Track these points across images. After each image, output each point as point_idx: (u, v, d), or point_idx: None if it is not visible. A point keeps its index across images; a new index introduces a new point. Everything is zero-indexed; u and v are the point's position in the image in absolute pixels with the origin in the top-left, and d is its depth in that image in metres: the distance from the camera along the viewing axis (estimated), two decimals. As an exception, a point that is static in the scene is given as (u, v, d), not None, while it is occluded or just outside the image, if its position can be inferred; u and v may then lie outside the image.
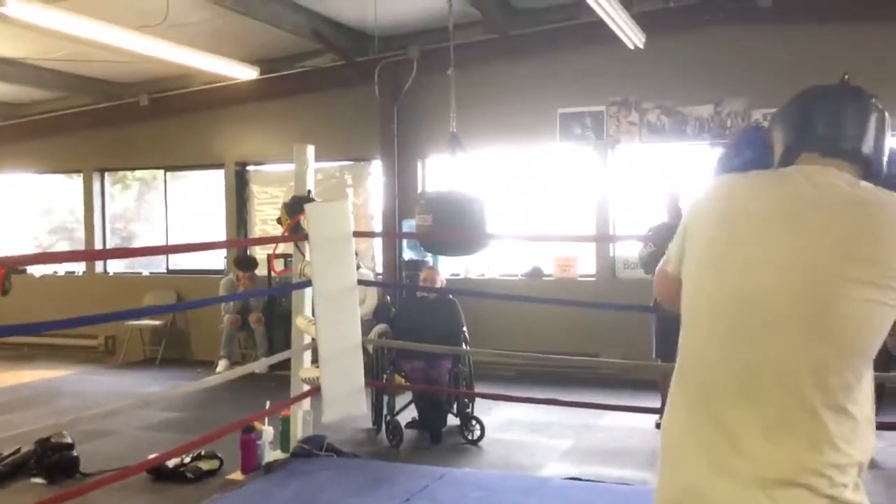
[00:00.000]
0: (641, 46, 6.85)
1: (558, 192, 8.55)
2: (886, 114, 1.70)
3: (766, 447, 1.46)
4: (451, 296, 6.59)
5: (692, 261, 1.68)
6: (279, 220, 5.53)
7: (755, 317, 1.52)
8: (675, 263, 1.76)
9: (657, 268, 1.87)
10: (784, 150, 1.71)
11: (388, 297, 8.17)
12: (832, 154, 1.64)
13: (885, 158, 1.69)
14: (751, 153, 1.85)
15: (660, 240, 5.99)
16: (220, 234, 9.80)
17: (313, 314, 5.15)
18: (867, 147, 1.65)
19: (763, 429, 1.47)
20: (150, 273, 10.34)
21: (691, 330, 1.64)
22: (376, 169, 9.09)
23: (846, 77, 1.76)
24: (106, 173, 10.66)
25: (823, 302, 1.47)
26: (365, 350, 5.48)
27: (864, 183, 1.58)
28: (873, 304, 1.46)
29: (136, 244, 10.82)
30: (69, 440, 5.15)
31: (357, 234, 5.84)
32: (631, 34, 6.54)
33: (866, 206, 1.53)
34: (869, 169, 1.65)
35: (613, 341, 7.57)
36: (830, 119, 1.66)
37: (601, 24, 6.26)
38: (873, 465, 2.19)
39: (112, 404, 5.54)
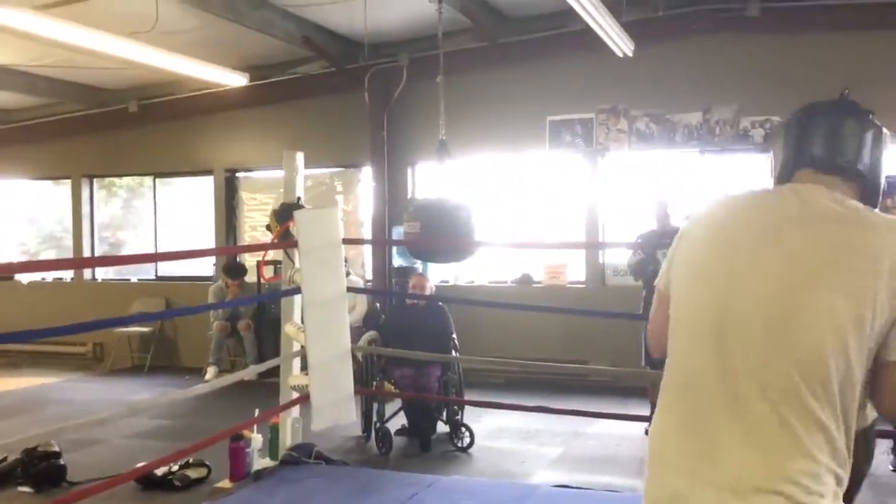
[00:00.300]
0: (630, 54, 6.88)
1: (548, 200, 8.57)
2: (885, 130, 1.71)
3: (743, 455, 1.48)
4: (440, 303, 6.60)
5: (680, 274, 1.71)
6: (268, 227, 5.52)
7: (735, 329, 1.54)
8: (665, 280, 1.78)
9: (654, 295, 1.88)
10: (781, 167, 1.73)
11: (378, 305, 8.16)
12: (827, 171, 1.66)
13: (883, 175, 1.70)
14: None
15: (648, 247, 6.02)
16: (209, 241, 9.76)
17: (302, 321, 5.14)
18: (863, 164, 1.66)
19: (741, 437, 1.49)
20: (139, 280, 10.31)
21: (677, 339, 1.67)
22: (366, 176, 9.10)
23: (846, 92, 1.77)
24: (94, 179, 10.62)
25: (796, 317, 1.49)
26: (354, 357, 5.48)
27: (851, 201, 1.59)
28: (846, 321, 1.47)
29: (124, 251, 10.78)
30: (56, 448, 5.11)
31: (346, 241, 5.85)
32: (620, 42, 6.57)
33: (848, 223, 1.54)
34: (865, 185, 1.67)
35: (603, 348, 7.59)
36: (826, 136, 1.67)
37: (590, 33, 6.29)
38: None
39: (100, 412, 5.51)
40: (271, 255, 6.79)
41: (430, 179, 8.80)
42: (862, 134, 1.67)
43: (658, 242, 5.96)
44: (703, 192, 7.60)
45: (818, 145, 1.68)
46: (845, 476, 1.51)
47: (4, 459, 5.09)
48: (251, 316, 8.93)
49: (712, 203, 1.75)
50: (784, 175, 1.72)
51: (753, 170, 7.70)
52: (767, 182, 7.42)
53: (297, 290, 5.15)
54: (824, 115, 1.70)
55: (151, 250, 10.02)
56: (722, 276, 1.59)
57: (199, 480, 5.05)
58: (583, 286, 8.30)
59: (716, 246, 1.64)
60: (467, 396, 6.33)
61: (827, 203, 1.58)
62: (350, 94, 8.67)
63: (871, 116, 1.71)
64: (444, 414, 6.01)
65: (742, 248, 1.59)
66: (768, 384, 1.49)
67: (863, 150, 1.66)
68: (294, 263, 5.28)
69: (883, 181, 1.71)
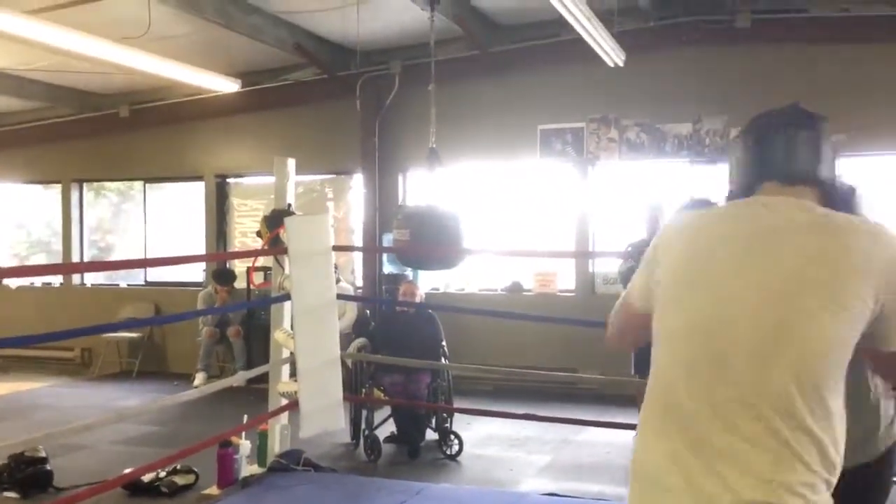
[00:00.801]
0: (621, 64, 6.91)
1: (538, 208, 8.59)
2: (835, 136, 1.74)
3: (739, 470, 1.50)
4: (430, 310, 6.60)
5: (660, 293, 1.71)
6: (259, 233, 5.52)
7: (721, 345, 1.56)
8: (641, 298, 1.79)
9: (617, 303, 1.89)
10: (745, 181, 1.77)
11: (368, 311, 8.16)
12: (791, 181, 1.69)
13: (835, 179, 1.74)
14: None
15: (639, 255, 6.04)
16: (200, 247, 9.74)
17: (292, 328, 5.14)
18: (824, 170, 1.70)
19: (735, 452, 1.51)
20: (128, 285, 10.27)
21: (662, 358, 1.67)
22: (357, 183, 9.10)
23: (797, 104, 1.79)
24: (84, 184, 10.59)
25: (783, 329, 1.51)
26: (344, 364, 5.47)
27: (820, 208, 1.63)
28: (832, 328, 1.50)
29: (114, 255, 10.73)
30: (43, 454, 5.09)
31: (337, 247, 5.84)
32: (611, 52, 6.60)
33: (822, 230, 1.57)
34: (826, 191, 1.70)
35: (592, 357, 7.58)
36: (786, 146, 1.71)
37: (581, 42, 6.31)
38: None
39: (87, 418, 5.49)
40: (261, 261, 6.77)
41: (421, 187, 8.80)
42: (818, 141, 1.71)
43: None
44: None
45: (780, 157, 1.71)
46: (835, 481, 1.54)
47: (-9, 465, 5.07)
48: (241, 322, 8.91)
49: (681, 221, 1.77)
50: (749, 188, 1.74)
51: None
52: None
53: (287, 297, 5.14)
54: (781, 126, 1.73)
55: (141, 255, 9.99)
56: (702, 295, 1.61)
57: (187, 487, 5.03)
58: (572, 294, 8.32)
59: (694, 265, 1.65)
60: (456, 404, 6.32)
61: (799, 213, 1.61)
62: (342, 101, 8.68)
63: (823, 123, 1.74)
64: (433, 421, 6.01)
65: (720, 266, 1.61)
66: (762, 401, 1.50)
67: (821, 156, 1.71)
68: (284, 270, 5.28)
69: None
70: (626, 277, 6.21)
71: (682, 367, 1.61)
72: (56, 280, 10.61)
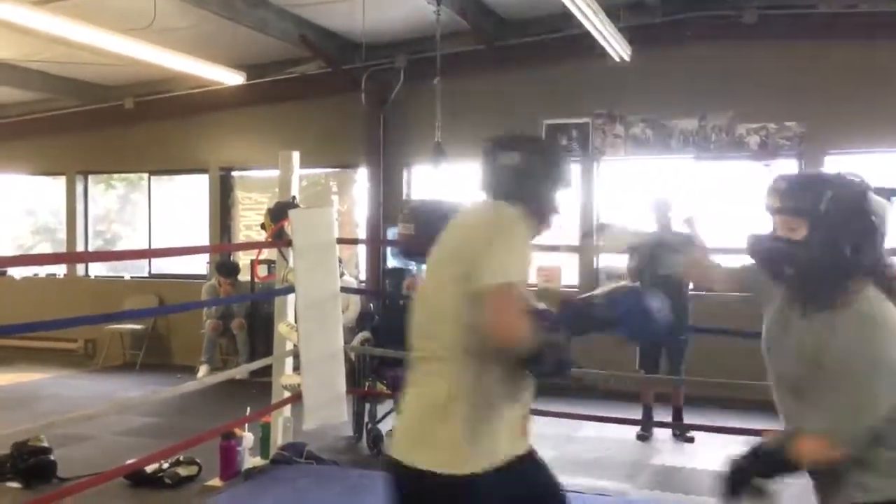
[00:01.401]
0: (627, 59, 6.90)
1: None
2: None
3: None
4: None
5: None
6: (263, 226, 5.52)
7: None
8: None
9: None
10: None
11: (372, 305, 8.16)
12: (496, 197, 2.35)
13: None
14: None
15: (645, 249, 6.01)
16: (204, 239, 9.75)
17: (296, 320, 5.14)
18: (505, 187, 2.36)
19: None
20: (132, 277, 10.28)
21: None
22: (362, 176, 9.09)
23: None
24: (89, 176, 10.60)
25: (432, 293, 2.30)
26: (347, 357, 5.47)
27: (491, 204, 2.34)
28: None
29: (119, 246, 10.75)
30: (46, 444, 5.11)
31: (341, 240, 5.85)
32: (617, 47, 6.59)
33: (468, 216, 2.41)
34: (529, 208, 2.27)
35: (594, 352, 7.57)
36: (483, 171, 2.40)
37: (588, 37, 6.31)
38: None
39: (90, 408, 5.50)
40: (265, 254, 6.79)
41: (425, 182, 8.79)
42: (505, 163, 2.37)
43: (654, 246, 5.95)
44: (697, 198, 7.60)
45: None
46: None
47: (-6, 454, 5.08)
48: (244, 315, 8.92)
49: None
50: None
51: (748, 177, 7.70)
52: (759, 190, 7.43)
53: (291, 290, 5.15)
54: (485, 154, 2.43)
55: (146, 247, 9.99)
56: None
57: (190, 478, 5.04)
58: (576, 290, 8.31)
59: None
60: (459, 398, 6.31)
61: (472, 207, 2.32)
62: (347, 95, 8.65)
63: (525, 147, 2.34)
64: (436, 415, 6.00)
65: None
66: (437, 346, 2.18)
67: (506, 176, 2.37)
68: (288, 262, 5.29)
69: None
70: (633, 273, 6.19)
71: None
72: (60, 271, 10.63)
